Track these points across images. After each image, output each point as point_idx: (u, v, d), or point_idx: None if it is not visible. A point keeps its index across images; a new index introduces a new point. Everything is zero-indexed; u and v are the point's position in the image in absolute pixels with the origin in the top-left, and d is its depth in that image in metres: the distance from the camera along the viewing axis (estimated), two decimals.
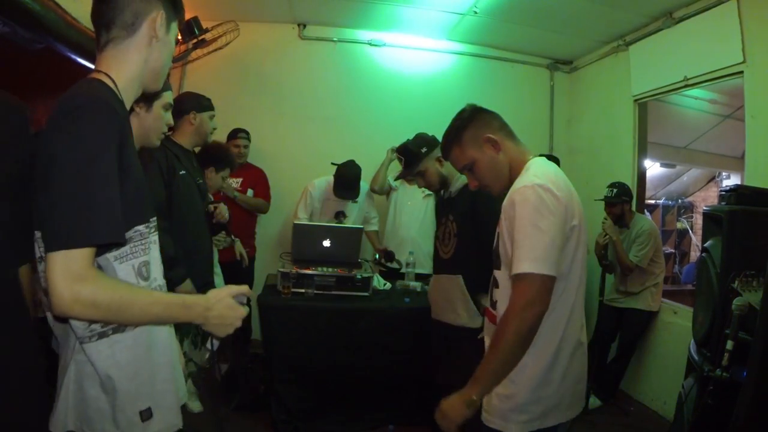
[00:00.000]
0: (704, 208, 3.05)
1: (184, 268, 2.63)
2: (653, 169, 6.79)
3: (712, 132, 6.04)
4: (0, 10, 2.69)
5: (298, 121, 5.28)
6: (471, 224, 2.72)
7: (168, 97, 2.19)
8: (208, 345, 1.40)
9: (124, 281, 1.25)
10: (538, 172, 1.73)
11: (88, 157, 1.13)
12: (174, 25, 1.41)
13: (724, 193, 2.89)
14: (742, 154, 3.75)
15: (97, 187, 1.12)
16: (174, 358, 1.44)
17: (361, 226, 3.96)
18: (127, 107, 1.36)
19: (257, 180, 4.71)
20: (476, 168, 1.87)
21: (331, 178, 4.38)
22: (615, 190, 4.23)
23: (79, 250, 1.10)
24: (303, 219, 4.27)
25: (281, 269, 3.49)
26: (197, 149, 3.20)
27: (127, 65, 1.34)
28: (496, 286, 1.82)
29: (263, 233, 5.03)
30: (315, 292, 3.49)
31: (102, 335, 1.24)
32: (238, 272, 4.14)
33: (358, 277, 3.54)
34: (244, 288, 1.38)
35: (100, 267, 1.23)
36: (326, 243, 3.64)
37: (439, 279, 2.96)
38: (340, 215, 4.37)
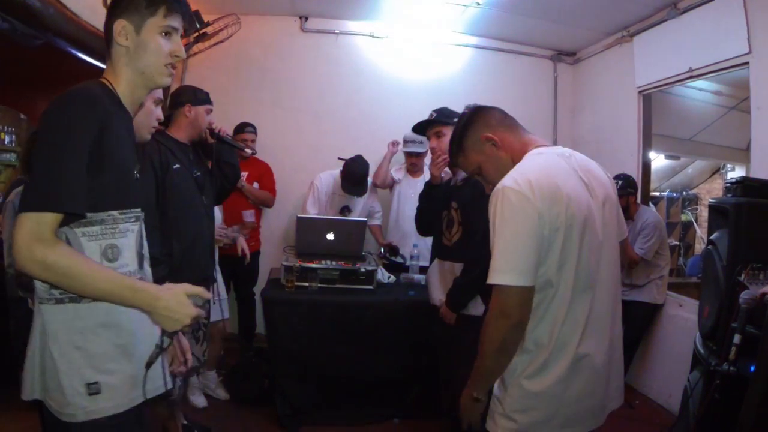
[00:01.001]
0: (710, 200, 3.03)
1: (165, 268, 2.57)
2: (658, 161, 6.75)
3: (717, 124, 6.00)
4: (0, 7, 2.68)
5: (300, 114, 5.26)
6: (474, 213, 2.71)
7: (158, 92, 2.20)
8: (157, 341, 1.33)
9: (84, 255, 1.35)
10: (519, 170, 1.63)
11: (62, 135, 1.30)
12: (150, 22, 1.47)
13: (729, 185, 2.87)
14: (748, 146, 3.72)
15: (64, 162, 1.28)
16: (138, 345, 1.46)
17: (365, 219, 3.95)
18: (132, 107, 1.54)
19: (263, 173, 4.69)
20: (483, 170, 1.82)
21: (337, 173, 4.37)
22: (620, 182, 4.20)
23: (42, 214, 1.26)
24: (311, 214, 4.26)
25: (285, 263, 3.48)
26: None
27: (119, 74, 1.50)
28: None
29: (267, 228, 5.03)
30: (319, 285, 3.48)
31: (59, 301, 1.36)
32: (242, 266, 4.14)
33: (362, 270, 3.53)
34: (199, 289, 1.42)
35: (68, 240, 1.35)
36: (330, 236, 3.63)
37: (441, 264, 2.99)
38: (345, 210, 4.36)
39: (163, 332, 1.42)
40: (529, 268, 1.52)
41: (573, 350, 1.59)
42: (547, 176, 1.58)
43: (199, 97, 2.94)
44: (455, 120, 2.83)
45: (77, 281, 1.28)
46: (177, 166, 2.74)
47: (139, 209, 1.53)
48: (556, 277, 1.57)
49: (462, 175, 2.88)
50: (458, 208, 2.85)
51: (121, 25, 1.46)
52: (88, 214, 1.37)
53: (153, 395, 1.51)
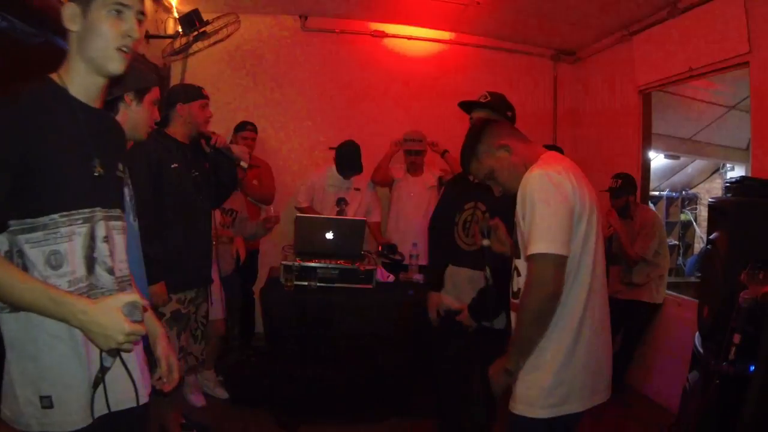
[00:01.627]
0: (710, 199, 3.03)
1: (160, 268, 2.54)
2: (657, 160, 6.75)
3: (716, 123, 6.00)
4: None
5: (300, 113, 5.26)
6: (510, 216, 2.54)
7: (156, 92, 2.24)
8: (103, 357, 1.30)
9: (8, 263, 1.27)
10: (546, 162, 1.83)
11: None
12: (97, 2, 1.35)
13: (729, 184, 2.87)
14: (747, 145, 3.73)
15: None
16: (90, 355, 1.36)
17: (364, 219, 3.95)
18: (87, 98, 1.43)
19: (262, 171, 4.69)
20: (496, 175, 1.94)
21: (333, 166, 4.37)
22: (619, 181, 4.20)
23: None
24: (302, 204, 4.29)
25: (284, 262, 3.48)
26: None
27: (71, 64, 1.41)
28: (519, 274, 1.89)
29: None
30: (318, 284, 3.48)
31: (14, 309, 1.30)
32: (244, 262, 4.15)
33: (362, 269, 3.53)
34: (134, 297, 1.28)
35: (20, 250, 1.30)
36: (329, 235, 3.63)
37: (458, 272, 2.80)
38: (341, 202, 4.36)
39: (103, 352, 1.30)
40: (565, 240, 1.69)
41: (598, 323, 1.82)
42: (570, 170, 1.81)
43: (190, 93, 2.88)
44: (508, 114, 2.75)
45: (1, 291, 1.22)
46: (175, 165, 2.73)
47: (89, 209, 1.39)
48: (579, 253, 1.76)
49: None
50: (487, 211, 2.66)
51: (69, 9, 1.36)
52: (29, 220, 1.30)
53: (118, 409, 1.43)
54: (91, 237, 1.39)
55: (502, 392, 1.88)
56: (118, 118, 2.11)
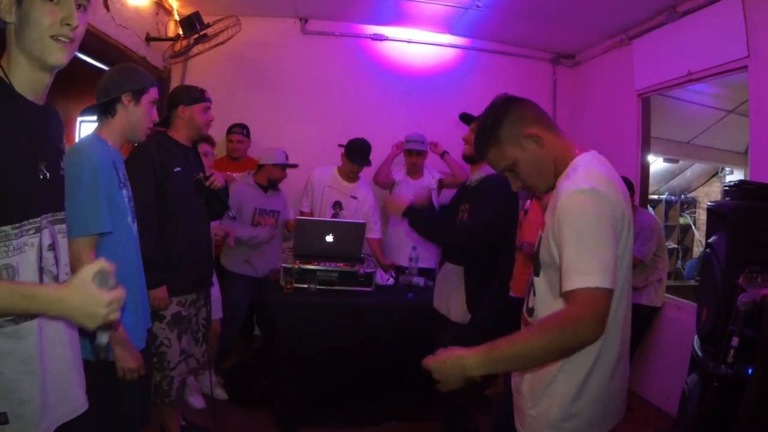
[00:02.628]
0: (708, 203, 3.03)
1: (162, 272, 2.57)
2: (656, 164, 6.77)
3: (715, 127, 6.02)
4: None
5: (301, 116, 5.26)
6: (477, 212, 2.72)
7: (154, 92, 2.23)
8: (98, 340, 1.26)
9: None
10: (589, 172, 1.54)
11: None
12: None
13: (728, 188, 2.88)
14: (746, 149, 3.73)
15: None
16: (48, 372, 1.33)
17: (364, 222, 3.95)
18: (33, 95, 1.34)
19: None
20: (518, 168, 1.66)
21: (334, 167, 4.39)
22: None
23: None
24: (304, 210, 4.32)
25: (284, 264, 3.49)
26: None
27: (11, 58, 1.30)
28: (534, 293, 1.69)
29: None
30: (318, 287, 3.49)
31: None
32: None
33: (361, 272, 3.54)
34: (99, 265, 1.18)
35: None
36: (329, 238, 3.63)
37: (446, 267, 2.97)
38: (336, 206, 4.35)
39: (94, 332, 1.25)
40: (613, 270, 1.41)
41: (616, 354, 1.59)
42: (612, 180, 1.55)
43: (192, 96, 2.85)
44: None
45: None
46: (178, 168, 2.73)
47: (39, 218, 1.32)
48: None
49: (478, 176, 2.84)
50: (467, 210, 2.81)
51: (4, 1, 1.25)
52: None
53: (73, 416, 1.43)
54: (40, 247, 1.33)
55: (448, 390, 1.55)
56: (116, 119, 2.13)
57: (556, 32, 5.10)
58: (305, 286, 3.47)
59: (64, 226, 1.44)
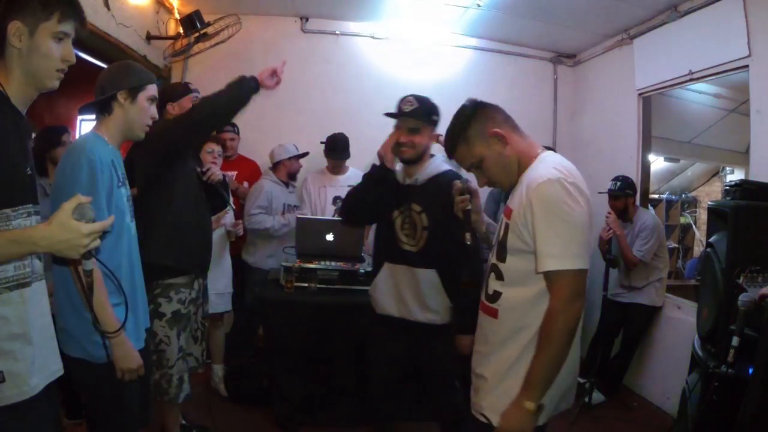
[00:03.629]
0: (709, 203, 3.03)
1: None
2: (657, 163, 6.76)
3: (716, 126, 6.01)
4: None
5: (300, 115, 5.26)
6: (447, 218, 2.43)
7: (152, 89, 2.22)
8: (84, 266, 1.53)
9: None
10: (558, 165, 1.70)
11: None
12: (44, 26, 1.49)
13: (728, 188, 2.88)
14: (747, 149, 3.73)
15: None
16: (34, 331, 1.49)
17: None
18: (22, 107, 1.56)
19: (252, 172, 4.69)
20: (485, 165, 1.82)
21: (323, 167, 4.51)
22: (618, 183, 4.21)
23: None
24: (305, 210, 4.33)
25: (284, 263, 3.49)
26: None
27: (10, 74, 1.51)
28: (500, 278, 1.78)
29: None
30: (318, 286, 3.48)
31: None
32: (236, 266, 4.17)
33: (362, 271, 3.53)
34: (75, 200, 1.37)
35: None
36: (329, 237, 3.63)
37: (400, 270, 2.70)
38: (337, 200, 4.36)
39: (77, 261, 1.47)
40: (587, 254, 1.62)
41: (578, 331, 1.70)
42: (576, 172, 1.71)
43: (177, 91, 2.95)
44: (434, 119, 2.80)
45: None
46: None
47: (30, 205, 1.52)
48: None
49: (426, 174, 2.70)
50: (424, 211, 2.64)
51: (15, 27, 1.46)
52: None
53: (54, 378, 1.60)
54: None
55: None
56: (113, 117, 2.13)
57: (556, 31, 5.10)
58: (305, 285, 3.47)
59: (39, 218, 1.58)
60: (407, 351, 2.76)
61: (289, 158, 4.38)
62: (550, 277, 1.62)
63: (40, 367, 1.52)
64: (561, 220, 1.60)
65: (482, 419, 1.76)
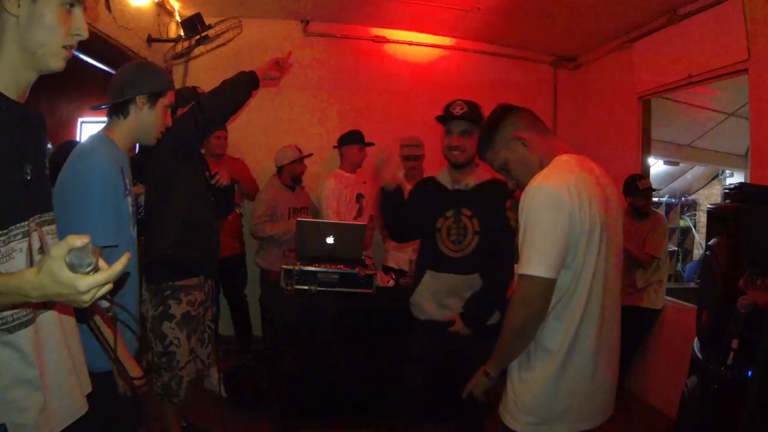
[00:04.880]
0: (708, 206, 3.04)
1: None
2: (657, 166, 6.77)
3: (715, 130, 6.02)
4: None
5: (301, 117, 5.28)
6: (496, 224, 2.52)
7: (171, 96, 2.17)
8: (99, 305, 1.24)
9: None
10: (555, 172, 1.74)
11: None
12: None
13: (728, 191, 2.88)
14: (746, 152, 3.74)
15: None
16: (48, 375, 1.30)
17: (365, 224, 3.94)
18: (16, 94, 1.27)
19: (240, 170, 4.69)
20: (510, 167, 1.90)
21: (336, 171, 4.41)
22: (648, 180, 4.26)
23: None
24: (333, 216, 4.20)
25: (284, 266, 3.49)
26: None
27: (1, 50, 1.22)
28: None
29: None
30: (318, 289, 3.48)
31: None
32: (232, 267, 4.19)
33: (362, 274, 3.54)
34: (67, 244, 0.99)
35: None
36: (330, 240, 3.63)
37: (444, 278, 2.77)
38: (360, 198, 4.35)
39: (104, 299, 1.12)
40: (555, 263, 1.63)
41: (592, 348, 1.71)
42: (576, 180, 1.70)
43: (186, 97, 2.84)
44: (482, 123, 2.81)
45: None
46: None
47: (26, 222, 1.25)
48: (576, 279, 1.68)
49: (477, 179, 2.77)
50: (475, 216, 2.70)
51: None
52: None
53: (73, 420, 1.39)
54: (30, 250, 1.26)
55: (483, 394, 1.90)
56: (128, 121, 2.05)
57: (557, 35, 5.11)
58: (306, 287, 3.47)
59: (53, 227, 1.37)
60: (448, 354, 2.81)
61: (291, 162, 4.38)
62: (518, 278, 1.70)
63: (55, 411, 1.31)
64: (532, 226, 1.66)
65: (501, 416, 1.84)
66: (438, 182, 2.87)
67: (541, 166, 1.81)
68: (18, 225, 1.22)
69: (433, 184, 2.89)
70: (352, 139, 4.38)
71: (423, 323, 2.88)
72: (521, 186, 1.88)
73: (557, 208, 1.63)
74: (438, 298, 2.80)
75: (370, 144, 4.40)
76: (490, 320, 2.70)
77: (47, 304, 1.27)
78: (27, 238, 1.24)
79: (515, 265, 1.80)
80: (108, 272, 1.03)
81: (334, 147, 4.44)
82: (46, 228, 1.32)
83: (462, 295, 2.73)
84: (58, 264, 0.98)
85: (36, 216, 1.29)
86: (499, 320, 2.67)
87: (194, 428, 3.21)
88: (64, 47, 1.25)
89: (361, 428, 3.53)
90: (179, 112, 2.81)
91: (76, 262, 0.99)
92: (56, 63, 1.26)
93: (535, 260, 1.62)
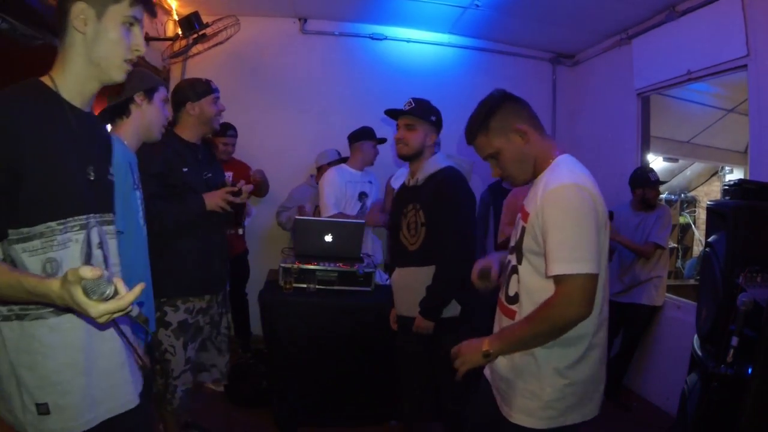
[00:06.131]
0: (708, 202, 3.03)
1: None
2: (656, 163, 6.74)
3: (715, 126, 6.01)
4: (0, 7, 2.68)
5: (299, 115, 5.27)
6: (439, 212, 2.67)
7: (164, 91, 2.30)
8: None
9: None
10: (572, 170, 1.72)
11: None
12: (113, 9, 1.36)
13: (727, 187, 2.87)
14: (746, 149, 3.73)
15: None
16: (94, 361, 1.36)
17: (363, 221, 3.92)
18: (81, 103, 1.42)
19: (246, 174, 4.66)
20: (501, 157, 1.83)
21: (342, 166, 4.32)
22: (655, 174, 4.24)
23: None
24: (332, 208, 4.10)
25: (283, 264, 3.48)
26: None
27: (68, 64, 1.38)
28: (518, 280, 1.81)
29: (263, 227, 5.08)
30: (317, 287, 3.48)
31: (6, 318, 1.29)
32: (232, 266, 4.17)
33: (360, 272, 3.53)
34: (81, 273, 1.07)
35: (13, 260, 1.28)
36: (328, 238, 3.62)
37: (405, 272, 2.85)
38: (363, 196, 4.32)
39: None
40: (597, 258, 1.61)
41: (604, 337, 1.76)
42: (590, 177, 1.73)
43: (198, 90, 2.72)
44: (432, 118, 2.88)
45: None
46: (185, 169, 2.65)
47: (85, 216, 1.37)
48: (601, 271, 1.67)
49: (425, 173, 2.78)
50: (421, 208, 2.76)
51: (80, 8, 1.33)
52: (25, 229, 1.27)
53: (121, 411, 1.45)
54: (88, 243, 1.38)
55: (467, 370, 1.80)
56: (131, 119, 2.20)
57: (555, 32, 5.10)
58: (304, 285, 3.47)
59: (112, 227, 1.49)
60: (424, 349, 2.83)
61: (329, 163, 4.47)
62: (558, 280, 1.62)
63: (99, 400, 1.38)
64: (571, 224, 1.61)
65: (510, 419, 1.79)
66: (404, 180, 2.98)
67: (535, 164, 1.81)
68: (76, 218, 1.35)
69: (402, 182, 3.01)
70: (365, 135, 4.29)
71: (400, 319, 2.93)
72: (508, 179, 1.90)
73: (590, 206, 1.63)
74: (405, 293, 2.84)
75: (383, 140, 4.35)
76: (447, 312, 2.71)
77: None
78: (84, 231, 1.37)
79: (548, 267, 1.69)
80: (119, 303, 1.09)
81: (352, 138, 4.34)
82: (105, 228, 1.45)
83: (423, 287, 2.72)
84: (74, 287, 1.07)
85: (97, 215, 1.42)
86: (460, 312, 2.72)
87: (194, 426, 3.21)
88: (125, 61, 1.40)
89: (359, 427, 3.53)
90: (189, 105, 2.70)
91: (90, 290, 1.07)
92: (118, 75, 1.41)
93: (580, 257, 1.58)
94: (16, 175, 1.24)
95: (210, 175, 2.82)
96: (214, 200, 2.62)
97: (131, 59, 1.41)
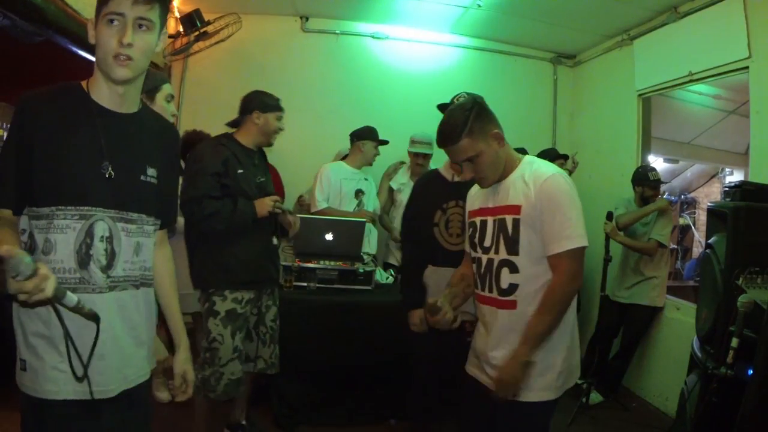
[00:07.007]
0: (708, 204, 3.03)
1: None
2: (656, 164, 6.76)
3: (716, 127, 6.02)
4: (1, 3, 2.68)
5: (300, 114, 5.23)
6: None
7: (168, 89, 2.32)
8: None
9: (8, 232, 1.36)
10: (548, 164, 1.99)
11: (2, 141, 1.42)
12: (100, 12, 1.42)
13: (728, 189, 2.87)
14: (746, 150, 3.73)
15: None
16: (75, 340, 1.37)
17: (364, 220, 3.91)
18: (116, 105, 1.51)
19: (276, 179, 4.65)
20: (480, 160, 1.93)
21: (341, 161, 4.33)
22: (657, 174, 4.24)
23: None
24: (321, 202, 4.10)
25: (283, 263, 3.48)
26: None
27: (95, 71, 1.51)
28: (515, 271, 1.93)
29: None
30: (317, 285, 3.48)
31: None
32: None
33: (361, 270, 3.53)
34: (5, 250, 1.12)
35: (31, 233, 1.44)
36: (328, 236, 3.62)
37: (444, 273, 2.70)
38: (360, 194, 4.32)
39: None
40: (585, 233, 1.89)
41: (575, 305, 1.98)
42: None
43: (268, 103, 2.99)
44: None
45: None
46: (241, 171, 2.80)
47: (89, 207, 1.45)
48: None
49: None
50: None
51: (89, 25, 1.46)
52: (35, 209, 1.42)
53: (102, 397, 1.47)
54: (88, 234, 1.45)
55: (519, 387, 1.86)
56: None
57: (556, 32, 5.10)
58: (305, 284, 3.47)
59: (134, 227, 1.55)
60: (450, 351, 2.72)
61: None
62: (562, 256, 1.84)
63: (66, 380, 1.41)
64: (569, 205, 1.85)
65: (526, 399, 1.90)
66: (440, 174, 2.89)
67: (504, 168, 1.97)
68: (79, 208, 1.44)
69: (436, 176, 2.91)
70: (368, 135, 4.28)
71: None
72: (481, 181, 1.99)
73: (575, 191, 1.89)
74: (439, 293, 2.75)
75: (385, 142, 4.34)
76: None
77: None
78: (85, 222, 1.44)
79: (555, 245, 1.87)
80: (25, 283, 1.15)
81: (355, 135, 4.35)
82: (122, 225, 1.51)
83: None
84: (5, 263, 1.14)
85: (110, 210, 1.48)
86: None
87: (254, 428, 3.23)
88: (115, 57, 1.41)
89: (359, 425, 3.53)
90: (256, 113, 2.97)
91: (11, 268, 1.12)
92: (114, 73, 1.43)
93: (581, 233, 1.84)
94: (30, 158, 1.39)
95: (263, 179, 2.95)
96: (263, 206, 2.79)
97: (120, 54, 1.41)
